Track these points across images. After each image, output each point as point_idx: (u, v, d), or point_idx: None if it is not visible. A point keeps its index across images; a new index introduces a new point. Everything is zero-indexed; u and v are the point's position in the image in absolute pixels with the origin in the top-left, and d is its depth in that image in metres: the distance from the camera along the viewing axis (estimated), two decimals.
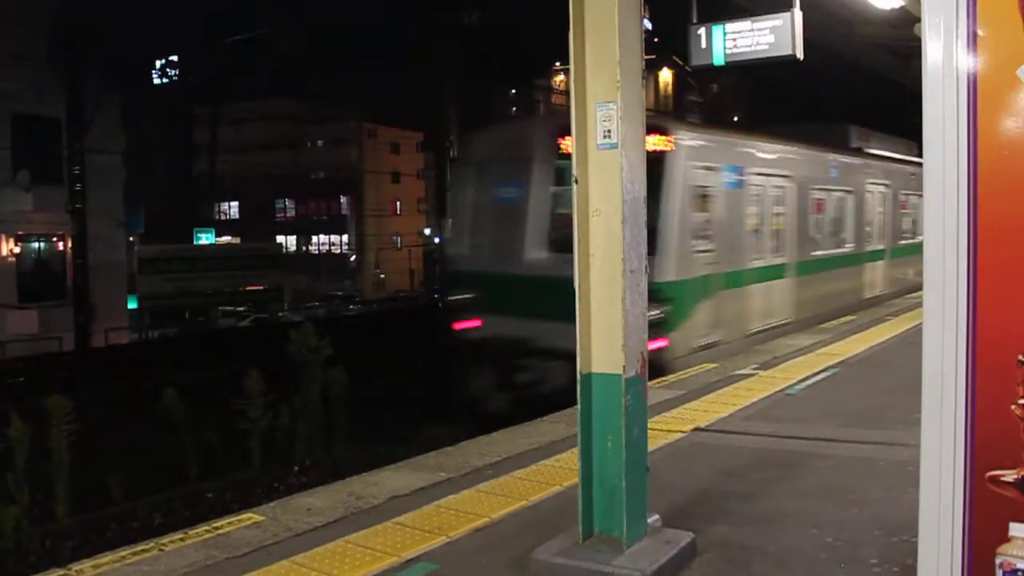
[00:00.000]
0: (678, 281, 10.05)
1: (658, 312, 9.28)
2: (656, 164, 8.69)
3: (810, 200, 13.25)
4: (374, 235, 66.85)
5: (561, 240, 9.45)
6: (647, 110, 4.35)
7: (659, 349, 9.46)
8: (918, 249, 2.84)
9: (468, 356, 11.10)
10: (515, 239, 10.77)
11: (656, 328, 8.42)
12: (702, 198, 10.60)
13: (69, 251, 24.67)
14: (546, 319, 8.87)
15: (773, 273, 12.29)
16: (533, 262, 10.56)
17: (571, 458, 5.42)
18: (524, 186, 10.96)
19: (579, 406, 4.08)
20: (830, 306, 13.81)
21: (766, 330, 11.96)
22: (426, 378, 13.53)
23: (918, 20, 2.63)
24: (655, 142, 9.80)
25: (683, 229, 10.16)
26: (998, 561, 2.52)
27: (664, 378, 9.11)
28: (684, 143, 10.38)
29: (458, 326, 11.19)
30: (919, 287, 3.05)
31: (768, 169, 12.20)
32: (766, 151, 12.52)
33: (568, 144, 7.88)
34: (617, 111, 3.93)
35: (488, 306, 10.90)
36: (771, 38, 4.69)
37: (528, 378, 10.39)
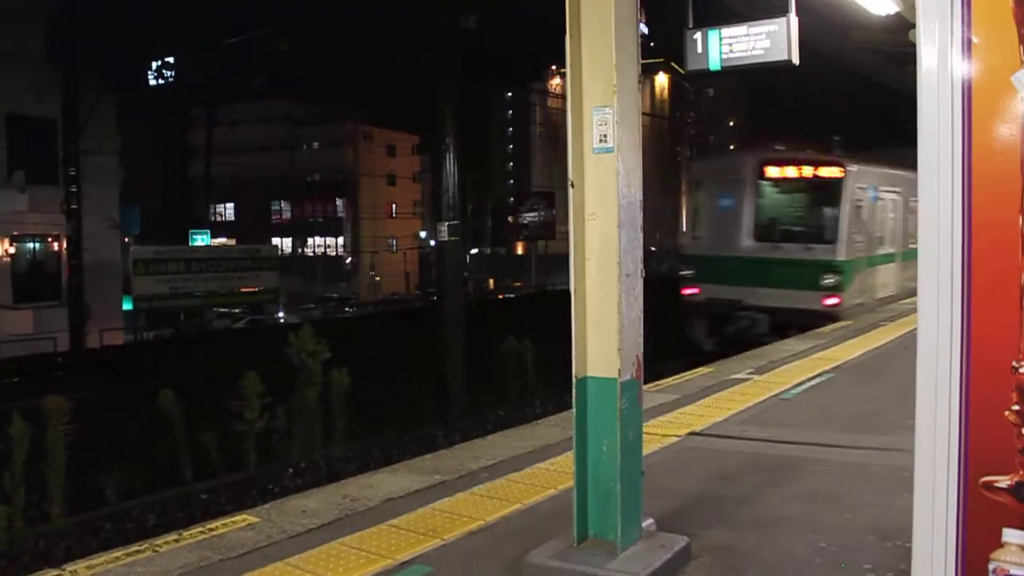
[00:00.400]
0: (846, 260, 15.21)
1: (834, 280, 15.00)
2: (836, 185, 15.32)
3: (908, 207, 17.29)
4: (369, 237, 66.85)
5: (762, 234, 15.82)
6: (643, 114, 4.35)
7: (835, 304, 15.00)
8: None
9: (691, 312, 16.61)
10: (732, 233, 15.81)
11: (833, 290, 15.02)
12: (857, 207, 15.58)
13: (64, 252, 24.62)
14: (752, 285, 15.34)
15: (888, 259, 17.09)
16: (744, 248, 15.75)
17: (566, 461, 5.42)
18: (738, 198, 15.99)
19: (574, 410, 4.08)
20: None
21: (883, 299, 16.59)
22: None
23: (913, 26, 2.64)
24: (834, 172, 15.46)
25: (850, 226, 15.25)
26: (992, 567, 2.53)
27: (659, 382, 9.18)
28: (850, 171, 15.45)
29: (685, 291, 16.59)
30: None
31: (888, 186, 16.90)
32: (887, 174, 16.82)
33: (768, 171, 15.06)
34: (613, 115, 3.94)
35: (708, 278, 16.18)
36: (767, 43, 4.69)
37: (735, 326, 15.58)
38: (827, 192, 15.48)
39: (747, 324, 15.40)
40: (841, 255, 15.13)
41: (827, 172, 15.52)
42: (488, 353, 15.06)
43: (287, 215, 71.60)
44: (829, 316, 14.70)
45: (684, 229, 18.41)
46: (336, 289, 59.86)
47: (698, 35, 4.80)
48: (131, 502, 9.47)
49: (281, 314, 38.85)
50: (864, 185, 15.87)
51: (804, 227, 15.99)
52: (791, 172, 16.00)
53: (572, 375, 4.07)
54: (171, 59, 35.77)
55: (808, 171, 15.85)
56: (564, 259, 4.29)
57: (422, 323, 22.54)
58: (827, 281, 14.99)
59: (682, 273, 16.94)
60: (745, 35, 4.73)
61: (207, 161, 38.88)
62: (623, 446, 3.97)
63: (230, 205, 69.18)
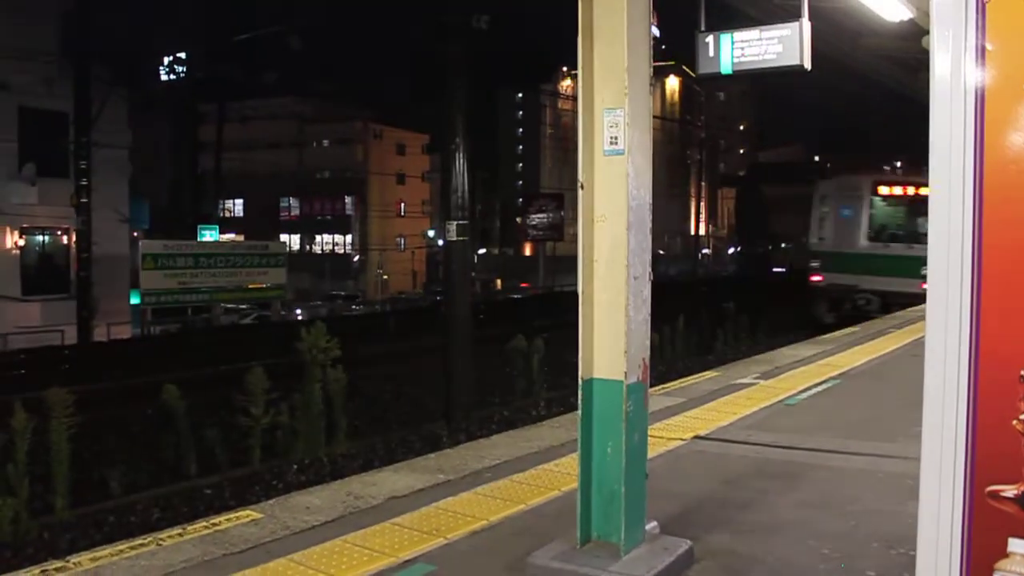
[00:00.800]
0: None
1: None
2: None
3: None
4: (377, 236, 66.97)
5: (874, 236, 20.91)
6: (653, 117, 4.34)
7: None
8: None
9: (815, 295, 21.92)
10: (851, 235, 21.19)
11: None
12: None
13: (73, 245, 24.72)
14: (866, 274, 20.38)
15: None
16: (860, 246, 20.90)
17: (570, 463, 5.42)
18: (856, 208, 21.33)
19: (580, 411, 4.08)
20: None
21: None
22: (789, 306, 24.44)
23: (926, 33, 2.63)
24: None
25: None
26: None
27: (665, 385, 9.17)
28: None
29: (811, 278, 21.94)
30: None
31: None
32: None
33: (881, 189, 18.70)
34: (624, 117, 3.93)
35: (831, 268, 21.34)
36: (779, 47, 4.68)
37: (851, 305, 20.52)
38: (926, 205, 20.90)
39: (863, 303, 20.46)
40: None
41: (926, 191, 21.24)
42: (493, 353, 15.07)
43: (296, 212, 71.77)
44: (924, 298, 20.81)
45: (809, 233, 23.09)
46: (343, 287, 59.98)
47: (710, 39, 4.79)
48: (135, 496, 9.49)
49: (299, 312, 39.07)
50: None
51: (907, 231, 20.44)
52: (898, 190, 20.95)
53: (579, 376, 4.07)
54: (182, 55, 35.83)
55: (911, 190, 20.55)
56: (572, 261, 4.29)
57: (429, 321, 22.57)
58: (925, 272, 20.74)
59: (810, 265, 22.39)
60: (757, 39, 4.71)
61: (217, 157, 38.96)
62: (628, 448, 3.96)
63: (239, 201, 69.38)
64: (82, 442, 9.50)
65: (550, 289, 44.97)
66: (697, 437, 6.84)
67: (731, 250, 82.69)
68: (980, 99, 2.48)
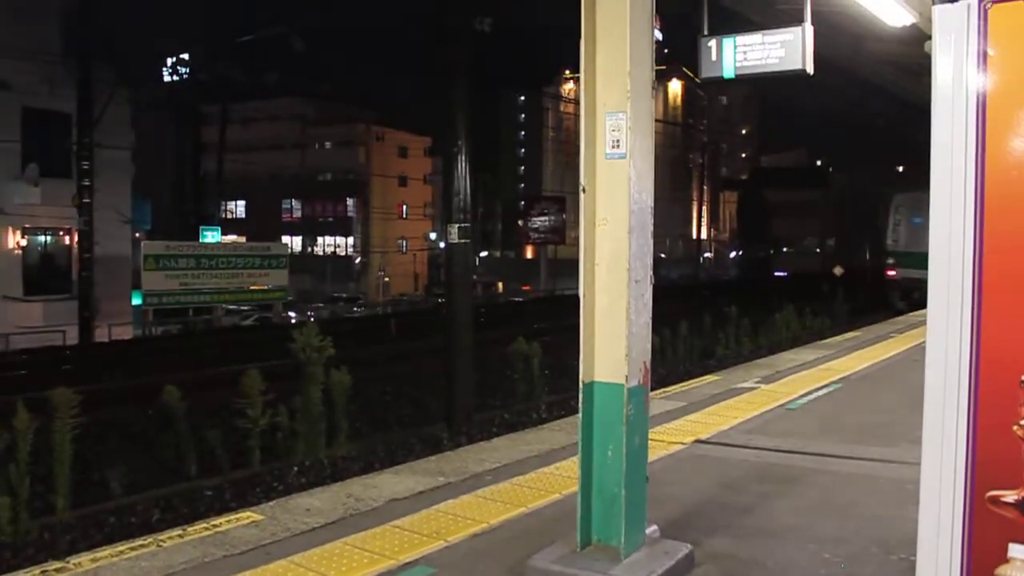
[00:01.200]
0: None
1: None
2: None
3: None
4: (379, 238, 67.01)
5: None
6: (656, 121, 4.35)
7: None
8: None
9: (890, 286, 26.44)
10: (921, 238, 21.80)
11: None
12: None
13: (75, 245, 24.73)
14: None
15: None
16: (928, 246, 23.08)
17: (571, 466, 5.42)
18: (925, 217, 22.41)
19: (580, 414, 4.08)
20: None
21: None
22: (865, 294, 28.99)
23: (929, 38, 2.64)
24: None
25: None
26: None
27: (666, 389, 9.17)
28: None
29: (887, 272, 26.61)
30: None
31: None
32: None
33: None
34: (626, 121, 3.94)
35: (904, 265, 25.09)
36: (781, 52, 4.69)
37: (921, 293, 22.33)
38: None
39: (922, 294, 23.82)
40: None
41: None
42: (495, 356, 15.05)
43: (297, 214, 71.82)
44: None
45: (886, 236, 27.36)
46: (345, 289, 60.01)
47: (712, 43, 4.79)
48: (136, 496, 9.47)
49: (310, 313, 39.10)
50: None
51: None
52: None
53: (579, 380, 4.07)
54: (185, 56, 35.88)
55: None
56: (574, 264, 4.29)
57: (430, 324, 22.56)
58: None
59: (886, 262, 26.81)
60: (760, 43, 4.72)
61: (219, 158, 38.95)
62: (628, 452, 3.96)
63: (241, 202, 69.44)
64: (83, 442, 9.49)
65: (551, 292, 44.96)
66: (698, 441, 6.84)
67: (733, 254, 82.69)
68: (982, 104, 2.49)
